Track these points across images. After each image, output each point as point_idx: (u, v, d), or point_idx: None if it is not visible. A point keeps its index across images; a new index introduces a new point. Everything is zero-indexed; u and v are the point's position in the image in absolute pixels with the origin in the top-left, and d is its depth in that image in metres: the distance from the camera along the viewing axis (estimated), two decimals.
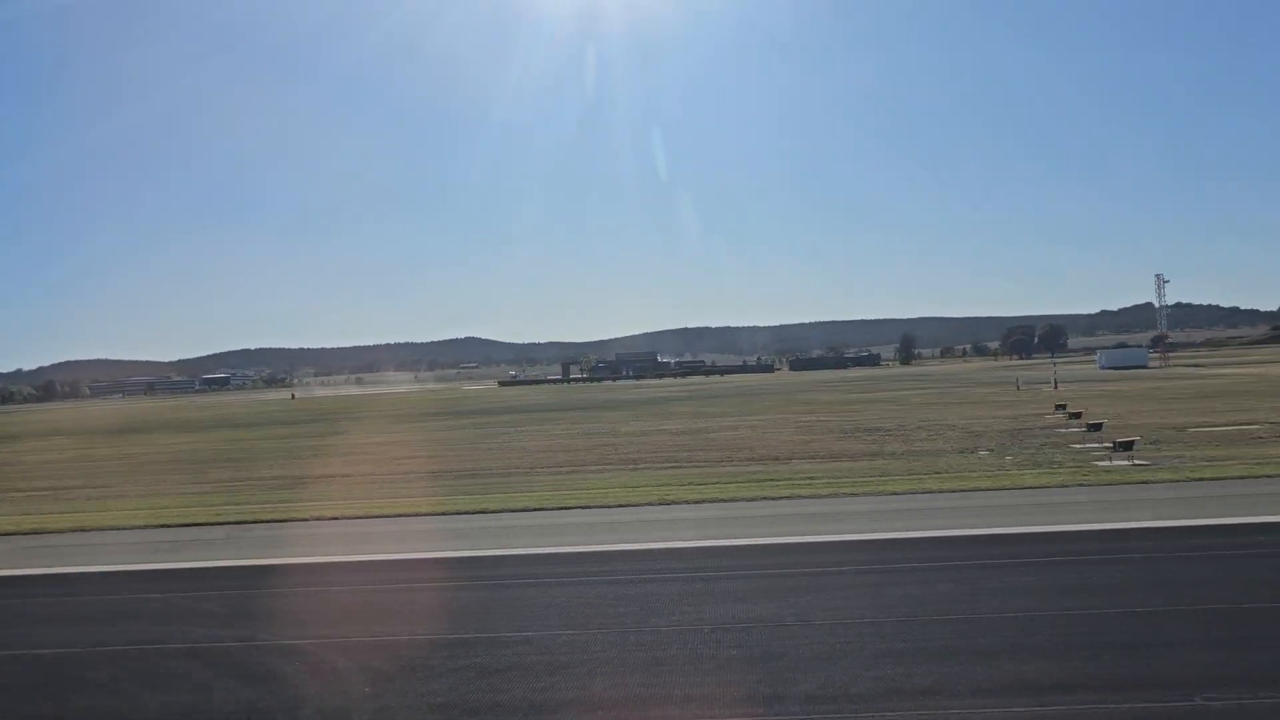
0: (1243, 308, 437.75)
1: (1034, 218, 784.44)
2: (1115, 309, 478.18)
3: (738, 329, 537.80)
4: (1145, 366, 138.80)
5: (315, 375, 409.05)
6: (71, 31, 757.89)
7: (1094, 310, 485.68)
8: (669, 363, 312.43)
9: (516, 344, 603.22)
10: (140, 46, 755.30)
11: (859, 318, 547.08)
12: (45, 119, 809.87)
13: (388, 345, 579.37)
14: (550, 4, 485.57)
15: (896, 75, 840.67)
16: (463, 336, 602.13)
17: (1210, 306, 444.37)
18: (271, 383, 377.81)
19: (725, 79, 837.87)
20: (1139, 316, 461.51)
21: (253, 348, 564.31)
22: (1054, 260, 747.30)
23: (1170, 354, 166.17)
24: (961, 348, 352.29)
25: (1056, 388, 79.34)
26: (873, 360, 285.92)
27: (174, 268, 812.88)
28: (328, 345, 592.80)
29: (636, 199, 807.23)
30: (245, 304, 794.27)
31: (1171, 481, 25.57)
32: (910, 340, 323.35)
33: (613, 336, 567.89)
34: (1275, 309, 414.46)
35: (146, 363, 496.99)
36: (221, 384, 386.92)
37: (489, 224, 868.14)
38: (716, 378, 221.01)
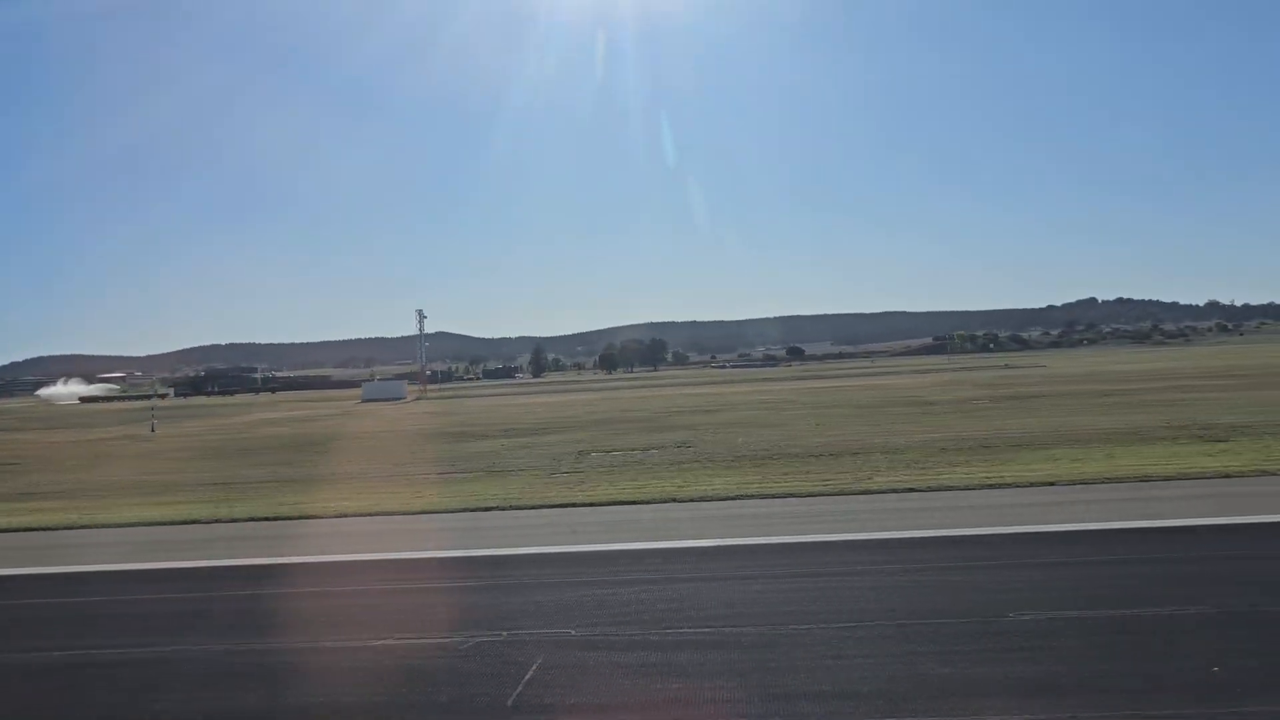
0: (1182, 302, 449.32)
1: (1060, 213, 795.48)
2: (1060, 304, 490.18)
3: (729, 322, 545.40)
4: (402, 399, 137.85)
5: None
6: (76, 36, 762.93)
7: (1040, 305, 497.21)
8: (257, 378, 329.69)
9: (488, 339, 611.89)
10: (146, 50, 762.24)
11: (862, 310, 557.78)
12: (52, 121, 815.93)
13: (360, 340, 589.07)
14: None
15: (905, 68, 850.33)
16: (432, 331, 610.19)
17: (1149, 301, 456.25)
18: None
19: (735, 69, 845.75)
20: (1080, 312, 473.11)
21: (223, 343, 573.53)
22: (1044, 252, 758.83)
23: (433, 386, 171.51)
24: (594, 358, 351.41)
25: None
26: (507, 373, 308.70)
27: (160, 266, 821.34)
28: (299, 340, 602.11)
29: (642, 191, 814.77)
30: (230, 302, 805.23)
31: None
32: (540, 352, 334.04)
33: (590, 328, 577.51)
34: (1204, 303, 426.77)
35: (118, 358, 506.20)
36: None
37: (498, 221, 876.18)
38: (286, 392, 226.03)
